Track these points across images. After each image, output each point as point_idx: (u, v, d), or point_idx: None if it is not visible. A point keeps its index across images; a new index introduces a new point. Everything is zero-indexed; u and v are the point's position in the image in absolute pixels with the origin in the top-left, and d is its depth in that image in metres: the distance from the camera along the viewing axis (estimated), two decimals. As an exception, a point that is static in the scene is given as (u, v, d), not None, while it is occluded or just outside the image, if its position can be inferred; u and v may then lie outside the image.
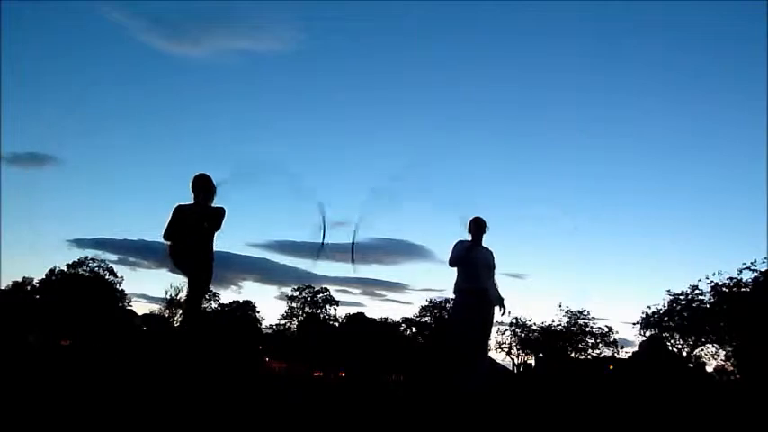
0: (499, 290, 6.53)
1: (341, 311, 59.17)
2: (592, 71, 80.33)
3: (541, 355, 50.77)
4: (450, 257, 6.45)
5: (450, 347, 6.40)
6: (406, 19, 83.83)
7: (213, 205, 5.82)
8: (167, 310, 56.46)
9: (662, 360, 40.18)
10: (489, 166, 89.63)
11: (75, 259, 54.64)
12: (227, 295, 70.43)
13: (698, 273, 75.98)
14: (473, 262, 6.39)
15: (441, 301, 54.99)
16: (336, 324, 57.38)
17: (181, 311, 6.11)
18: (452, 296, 6.62)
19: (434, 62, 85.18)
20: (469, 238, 6.48)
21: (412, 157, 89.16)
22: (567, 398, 10.58)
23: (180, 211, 5.74)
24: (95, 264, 54.55)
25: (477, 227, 6.42)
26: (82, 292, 49.22)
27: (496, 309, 6.46)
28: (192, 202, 5.78)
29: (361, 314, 57.79)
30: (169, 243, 5.69)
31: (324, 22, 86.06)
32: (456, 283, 6.50)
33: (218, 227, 5.76)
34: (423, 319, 56.07)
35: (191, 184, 5.76)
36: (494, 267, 6.55)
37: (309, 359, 51.83)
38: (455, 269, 6.51)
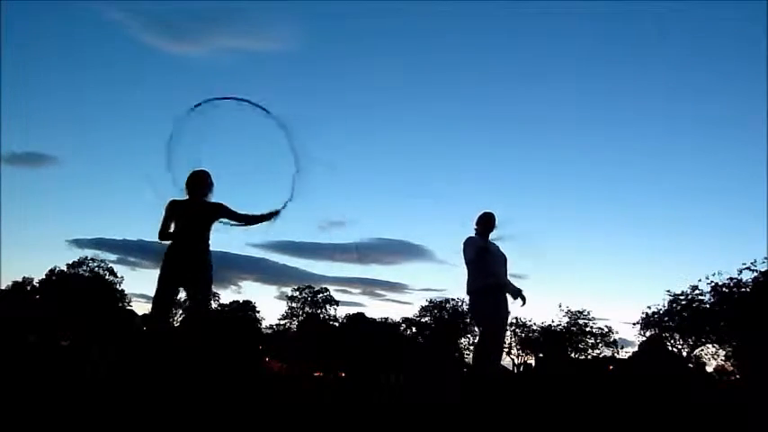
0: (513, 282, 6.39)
1: (341, 311, 59.24)
2: (592, 71, 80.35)
3: (541, 355, 50.78)
4: (470, 252, 6.17)
5: (486, 349, 6.16)
6: (406, 18, 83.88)
7: (210, 201, 5.63)
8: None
9: (662, 360, 40.17)
10: (489, 166, 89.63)
11: (76, 259, 54.73)
12: (226, 295, 70.39)
13: (698, 273, 76.13)
14: (493, 257, 6.20)
15: (441, 301, 55.05)
16: (336, 324, 57.37)
17: (183, 318, 5.51)
18: (468, 294, 6.31)
19: (435, 61, 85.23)
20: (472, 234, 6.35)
21: (412, 157, 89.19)
22: (568, 398, 10.57)
23: (175, 206, 5.53)
24: (95, 264, 54.60)
25: (489, 222, 6.28)
26: (82, 292, 49.22)
27: (516, 301, 6.25)
28: (186, 197, 5.58)
29: (361, 314, 57.83)
30: (169, 242, 5.45)
31: (324, 21, 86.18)
32: (475, 280, 6.21)
33: (232, 213, 5.61)
34: (423, 320, 56.06)
35: (187, 182, 5.57)
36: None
37: (309, 359, 51.82)
38: (465, 267, 6.30)
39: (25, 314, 46.25)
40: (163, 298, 5.44)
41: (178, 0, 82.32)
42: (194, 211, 5.53)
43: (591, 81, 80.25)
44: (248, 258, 66.17)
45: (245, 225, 5.74)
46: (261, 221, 5.74)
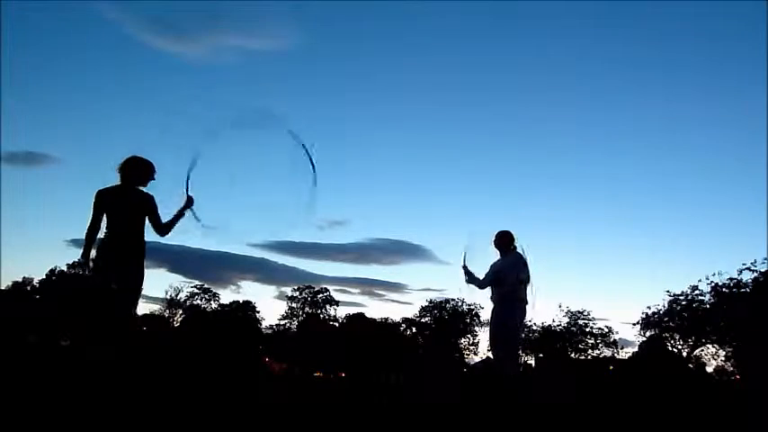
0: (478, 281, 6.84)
1: (341, 311, 59.19)
2: (593, 72, 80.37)
3: (541, 355, 50.69)
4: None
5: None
6: (404, 18, 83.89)
7: (142, 190, 5.12)
8: (167, 310, 56.57)
9: (662, 361, 40.12)
10: (489, 165, 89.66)
11: (76, 259, 54.69)
12: (226, 295, 70.42)
13: (698, 273, 76.11)
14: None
15: (441, 302, 54.99)
16: (336, 324, 57.32)
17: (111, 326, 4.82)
18: (521, 303, 6.80)
19: (433, 61, 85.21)
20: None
21: (412, 157, 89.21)
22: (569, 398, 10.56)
23: (104, 197, 4.95)
24: (95, 264, 54.48)
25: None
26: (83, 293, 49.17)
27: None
28: (118, 184, 5.04)
29: (361, 314, 57.79)
30: (101, 238, 4.93)
31: (322, 20, 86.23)
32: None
33: (155, 215, 5.12)
34: (423, 320, 55.99)
35: (123, 166, 5.05)
36: (499, 274, 6.70)
37: (309, 359, 51.79)
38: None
39: (25, 314, 46.22)
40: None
41: None
42: (127, 201, 5.01)
43: (591, 81, 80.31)
44: (248, 258, 66.27)
45: (162, 234, 5.21)
46: (175, 222, 5.25)
